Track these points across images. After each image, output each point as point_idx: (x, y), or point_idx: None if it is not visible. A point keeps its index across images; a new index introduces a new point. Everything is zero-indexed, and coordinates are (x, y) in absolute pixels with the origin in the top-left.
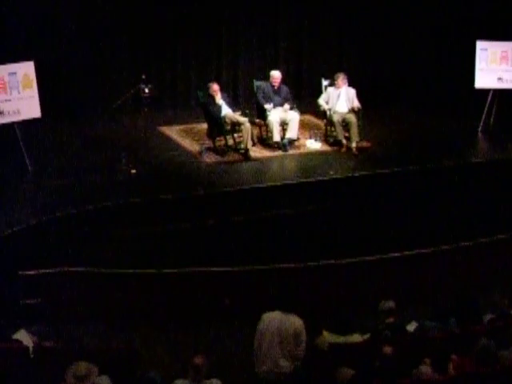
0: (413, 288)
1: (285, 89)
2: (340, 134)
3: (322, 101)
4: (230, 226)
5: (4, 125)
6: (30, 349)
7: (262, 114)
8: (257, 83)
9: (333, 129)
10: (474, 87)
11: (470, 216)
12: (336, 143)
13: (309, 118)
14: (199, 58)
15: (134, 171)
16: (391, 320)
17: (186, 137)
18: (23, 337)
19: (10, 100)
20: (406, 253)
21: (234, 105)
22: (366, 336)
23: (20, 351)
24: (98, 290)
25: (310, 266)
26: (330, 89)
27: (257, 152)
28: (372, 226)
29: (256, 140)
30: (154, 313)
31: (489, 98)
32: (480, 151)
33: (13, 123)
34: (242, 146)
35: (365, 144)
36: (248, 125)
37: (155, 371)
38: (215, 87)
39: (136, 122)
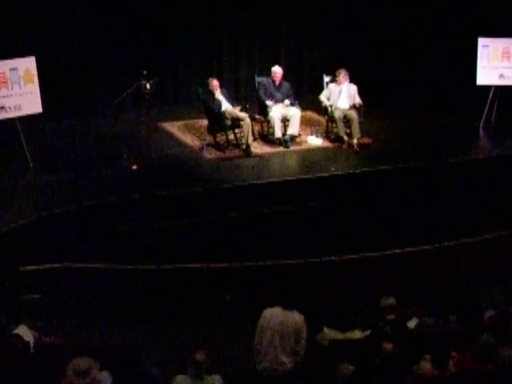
0: (413, 285)
1: (286, 85)
2: (341, 131)
3: (323, 97)
4: (231, 222)
5: (5, 120)
6: (31, 344)
7: (264, 110)
8: (258, 79)
9: (334, 125)
10: (475, 84)
11: (471, 213)
12: (337, 139)
13: (310, 114)
14: (200, 53)
15: (135, 167)
16: (392, 316)
17: (187, 132)
18: (24, 332)
19: (11, 95)
20: (407, 249)
21: (233, 100)
22: (367, 332)
23: (20, 346)
24: (99, 285)
25: (311, 263)
26: (332, 85)
27: (258, 148)
28: (373, 223)
29: (257, 136)
30: (155, 309)
31: (490, 95)
32: (481, 148)
33: (14, 118)
34: (243, 141)
35: (366, 140)
36: (248, 120)
37: (156, 367)
38: (215, 83)
39: (137, 117)
